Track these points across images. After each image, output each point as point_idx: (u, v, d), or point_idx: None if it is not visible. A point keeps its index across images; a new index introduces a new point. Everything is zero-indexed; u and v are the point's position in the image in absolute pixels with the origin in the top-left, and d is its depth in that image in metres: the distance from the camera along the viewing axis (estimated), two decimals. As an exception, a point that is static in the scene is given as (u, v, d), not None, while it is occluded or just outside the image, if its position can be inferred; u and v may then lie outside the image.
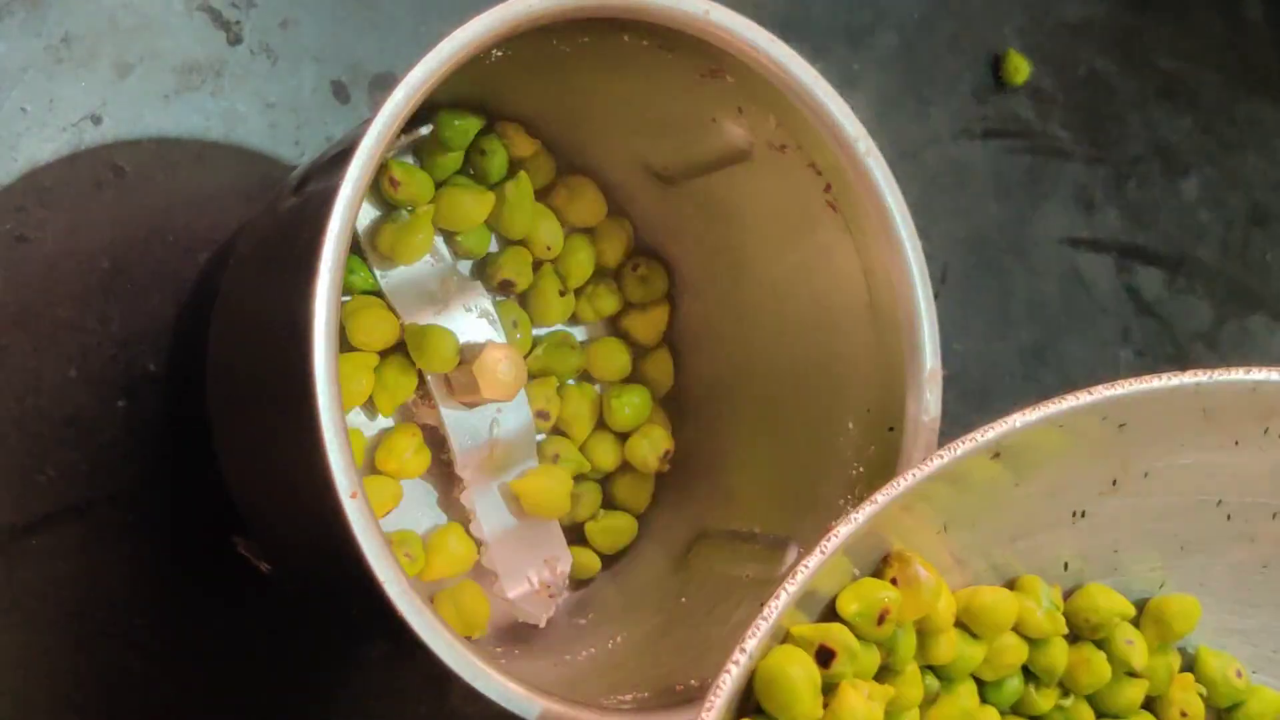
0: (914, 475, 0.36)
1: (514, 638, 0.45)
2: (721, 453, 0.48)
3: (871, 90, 0.58)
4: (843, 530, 0.35)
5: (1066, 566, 0.40)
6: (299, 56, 0.50)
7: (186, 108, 0.48)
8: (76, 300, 0.46)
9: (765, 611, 0.34)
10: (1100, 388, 0.37)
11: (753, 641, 0.34)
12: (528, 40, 0.39)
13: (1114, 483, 0.39)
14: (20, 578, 0.44)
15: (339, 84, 0.50)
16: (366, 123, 0.37)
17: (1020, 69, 0.61)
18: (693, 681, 0.41)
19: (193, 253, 0.47)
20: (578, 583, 0.48)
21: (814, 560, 0.35)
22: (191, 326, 0.46)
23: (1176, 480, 0.40)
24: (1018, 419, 0.36)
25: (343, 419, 0.35)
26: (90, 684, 0.45)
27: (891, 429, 0.43)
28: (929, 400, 0.42)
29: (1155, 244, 0.64)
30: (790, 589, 0.34)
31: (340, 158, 0.37)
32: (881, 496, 0.36)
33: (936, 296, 0.42)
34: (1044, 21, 0.62)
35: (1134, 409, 0.38)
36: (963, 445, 0.36)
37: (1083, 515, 0.40)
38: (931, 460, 0.36)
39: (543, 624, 0.46)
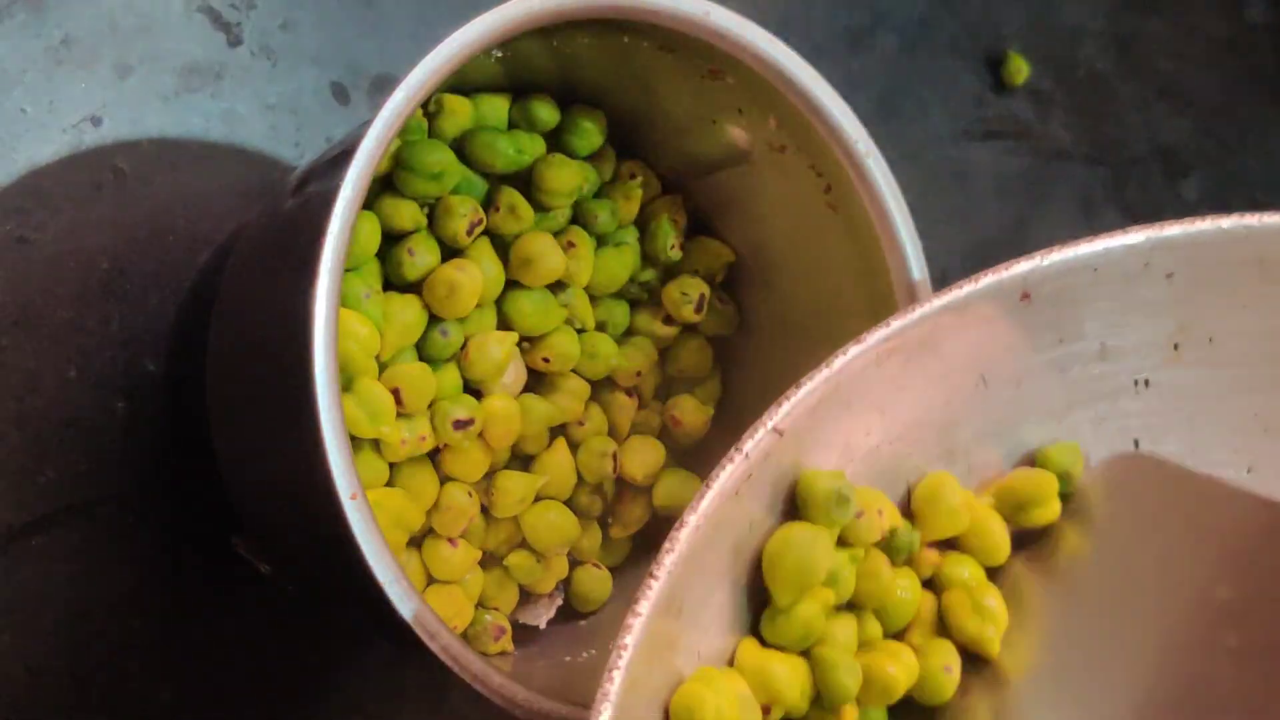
0: (931, 304, 0.32)
1: (514, 639, 0.45)
2: (721, 453, 0.48)
3: (871, 91, 0.58)
4: (872, 336, 0.32)
5: (1137, 444, 0.36)
6: (299, 58, 0.50)
7: (186, 109, 0.48)
8: (76, 300, 0.46)
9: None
10: (1138, 227, 0.33)
11: (704, 502, 0.31)
12: (526, 42, 0.39)
13: (1176, 347, 0.35)
14: (19, 578, 0.44)
15: (339, 85, 0.50)
16: (366, 124, 0.37)
17: (1020, 70, 0.61)
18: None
19: (193, 253, 0.47)
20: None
21: (850, 350, 0.32)
22: (191, 326, 0.46)
23: (1246, 348, 0.35)
24: (1043, 255, 0.33)
25: (343, 420, 0.35)
26: (89, 685, 0.45)
27: (891, 430, 0.43)
28: (929, 401, 0.42)
29: (1155, 245, 0.64)
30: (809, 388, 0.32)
31: (340, 159, 0.37)
32: (896, 321, 0.32)
33: (936, 298, 0.42)
34: (1044, 22, 0.62)
35: (1180, 255, 0.33)
36: (984, 278, 0.32)
37: (1146, 384, 0.35)
38: (949, 290, 0.32)
39: (542, 625, 0.46)
